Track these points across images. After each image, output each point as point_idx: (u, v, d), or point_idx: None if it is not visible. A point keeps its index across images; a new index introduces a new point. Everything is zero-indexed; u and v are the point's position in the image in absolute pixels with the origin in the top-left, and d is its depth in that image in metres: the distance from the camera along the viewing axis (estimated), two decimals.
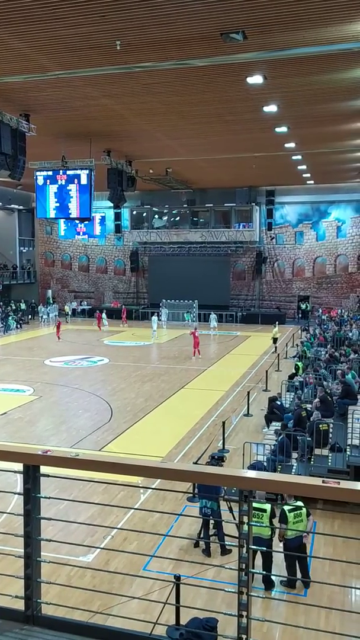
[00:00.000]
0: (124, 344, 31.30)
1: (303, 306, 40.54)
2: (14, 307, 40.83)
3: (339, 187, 38.15)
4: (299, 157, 27.01)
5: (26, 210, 44.70)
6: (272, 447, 12.24)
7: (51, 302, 43.64)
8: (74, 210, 23.17)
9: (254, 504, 6.94)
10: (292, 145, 23.69)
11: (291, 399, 16.27)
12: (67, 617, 3.69)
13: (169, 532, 9.96)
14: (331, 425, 13.26)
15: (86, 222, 29.39)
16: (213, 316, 35.41)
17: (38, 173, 23.20)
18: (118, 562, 8.86)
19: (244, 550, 3.08)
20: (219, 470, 4.17)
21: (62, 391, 20.38)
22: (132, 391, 20.16)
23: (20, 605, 3.38)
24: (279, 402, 15.51)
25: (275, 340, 28.42)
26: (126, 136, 22.24)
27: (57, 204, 23.28)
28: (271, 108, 17.66)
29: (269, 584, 8.26)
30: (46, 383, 21.49)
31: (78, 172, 22.81)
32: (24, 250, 46.50)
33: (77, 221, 30.16)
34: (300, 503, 8.39)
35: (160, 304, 39.02)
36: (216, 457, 11.70)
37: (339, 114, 18.73)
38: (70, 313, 41.60)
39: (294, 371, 20.26)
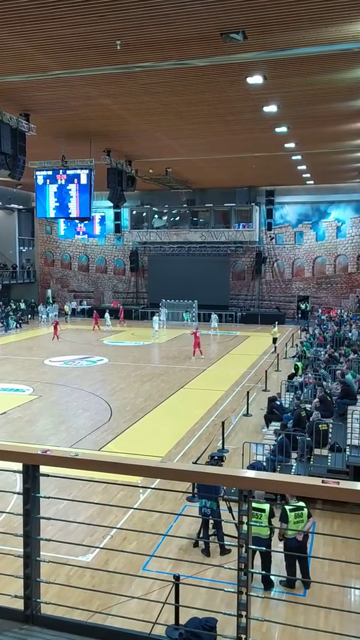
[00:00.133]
0: (123, 343, 31.30)
1: (303, 306, 40.54)
2: (13, 307, 40.82)
3: (339, 187, 38.16)
4: (299, 157, 27.02)
5: (26, 210, 44.69)
6: (272, 447, 12.24)
7: (51, 301, 43.63)
8: (73, 210, 23.16)
9: (253, 504, 6.94)
10: (292, 145, 23.70)
11: (291, 399, 16.27)
12: (66, 616, 3.69)
13: (169, 532, 9.95)
14: (331, 425, 13.26)
15: (86, 221, 29.37)
16: (214, 316, 35.47)
17: (38, 173, 23.19)
18: (117, 561, 8.86)
19: (243, 550, 3.08)
20: (219, 470, 4.17)
21: (62, 391, 20.38)
22: (131, 391, 20.16)
23: (19, 604, 3.38)
24: (278, 402, 15.52)
25: (274, 340, 28.44)
26: (126, 136, 22.25)
27: (57, 204, 23.28)
28: (271, 108, 17.67)
29: (268, 584, 8.26)
30: (46, 383, 21.49)
31: (78, 171, 22.81)
32: (23, 250, 46.50)
33: (76, 221, 30.15)
34: (302, 504, 8.39)
35: (160, 304, 39.02)
36: (216, 457, 11.69)
37: (339, 114, 18.74)
38: (69, 313, 41.61)
39: (293, 371, 20.26)
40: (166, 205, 42.23)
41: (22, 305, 41.82)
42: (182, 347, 29.15)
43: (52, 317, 39.40)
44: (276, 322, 31.66)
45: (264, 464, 11.33)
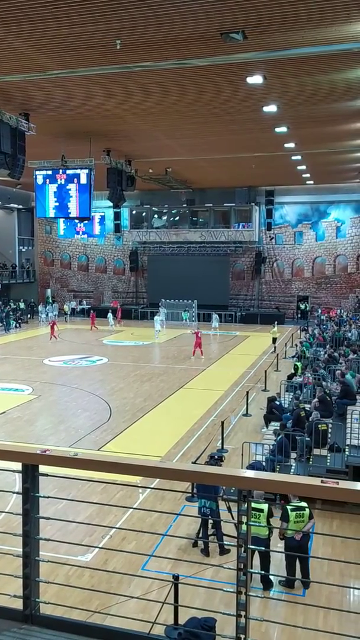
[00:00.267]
0: (122, 343, 31.30)
1: (302, 306, 40.55)
2: (13, 307, 40.80)
3: (339, 187, 38.16)
4: (299, 157, 27.02)
5: (25, 210, 44.67)
6: (271, 447, 12.24)
7: (50, 301, 43.61)
8: (73, 209, 23.16)
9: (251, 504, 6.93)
10: (291, 145, 23.70)
11: (290, 399, 16.28)
12: (65, 616, 3.69)
13: (168, 531, 9.95)
14: (330, 426, 13.26)
15: (85, 221, 29.39)
16: (215, 316, 35.54)
17: (37, 172, 23.19)
18: (116, 561, 8.86)
19: (243, 550, 3.08)
20: (218, 470, 4.17)
21: (61, 391, 20.38)
22: (131, 391, 20.16)
23: (18, 604, 3.38)
24: (278, 402, 15.52)
25: (274, 340, 28.45)
26: (126, 136, 22.25)
27: (57, 203, 23.27)
28: (271, 108, 17.67)
29: (267, 584, 8.26)
30: (45, 382, 21.49)
31: (78, 171, 22.80)
32: (23, 250, 46.48)
33: (76, 220, 30.16)
34: (304, 504, 8.39)
35: (160, 304, 39.02)
36: (215, 456, 11.70)
37: (338, 114, 18.74)
38: (69, 312, 41.60)
39: (293, 371, 20.26)
40: (166, 205, 42.23)
41: (22, 305, 41.81)
42: (182, 347, 29.15)
43: (51, 317, 39.38)
44: (276, 322, 31.67)
45: (263, 464, 11.33)
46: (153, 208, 42.74)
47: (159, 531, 9.71)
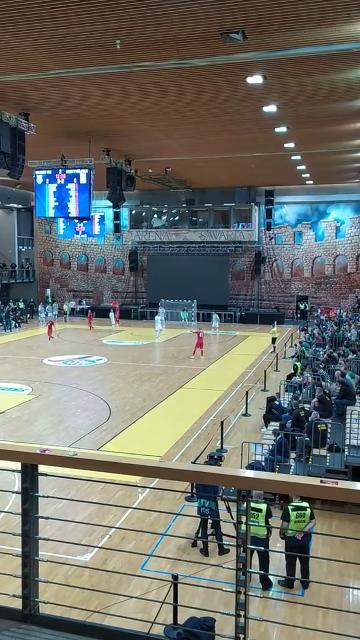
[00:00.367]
0: (122, 343, 31.29)
1: (302, 306, 40.55)
2: (12, 306, 40.79)
3: (338, 187, 38.17)
4: (299, 157, 27.02)
5: (25, 209, 44.65)
6: (270, 447, 12.24)
7: (50, 301, 43.59)
8: (73, 209, 23.15)
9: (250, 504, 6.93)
10: (291, 145, 23.70)
11: (289, 399, 16.28)
12: (64, 616, 3.69)
13: (167, 531, 9.95)
14: (329, 425, 13.27)
15: (85, 221, 29.39)
16: (215, 316, 35.55)
17: (37, 172, 23.17)
18: (116, 561, 8.86)
19: (242, 549, 3.08)
20: (217, 469, 4.17)
21: (61, 390, 20.37)
22: (130, 390, 20.15)
23: (17, 604, 3.38)
24: (277, 402, 15.52)
25: (273, 340, 28.45)
26: (125, 135, 22.25)
27: (56, 203, 23.26)
28: (271, 108, 17.67)
29: (266, 584, 8.26)
30: (44, 382, 21.48)
31: (77, 171, 22.79)
32: (22, 249, 46.45)
33: (76, 220, 30.17)
34: (305, 504, 8.39)
35: (159, 304, 39.02)
36: (214, 456, 11.69)
37: (338, 114, 18.74)
38: (68, 312, 41.59)
39: (292, 371, 20.27)
40: (165, 205, 42.23)
41: (21, 305, 41.80)
42: (181, 347, 29.16)
43: (50, 317, 39.35)
44: (275, 322, 31.68)
45: (263, 463, 11.33)
46: (153, 208, 42.73)
47: (158, 531, 9.71)
